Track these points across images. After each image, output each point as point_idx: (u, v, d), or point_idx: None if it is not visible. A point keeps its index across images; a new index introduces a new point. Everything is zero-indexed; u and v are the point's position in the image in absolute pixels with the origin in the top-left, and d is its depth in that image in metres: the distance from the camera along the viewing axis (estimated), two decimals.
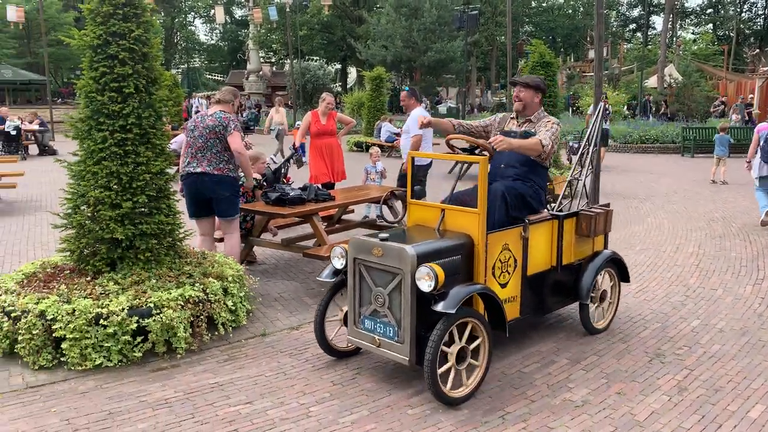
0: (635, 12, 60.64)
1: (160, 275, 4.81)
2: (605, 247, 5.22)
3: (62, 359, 4.30)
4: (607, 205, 5.26)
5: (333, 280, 4.34)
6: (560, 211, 4.81)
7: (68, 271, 4.91)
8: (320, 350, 4.51)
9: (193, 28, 65.99)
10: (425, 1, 35.02)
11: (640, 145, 21.02)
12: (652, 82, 35.69)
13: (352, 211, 8.01)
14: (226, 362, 4.49)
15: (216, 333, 4.82)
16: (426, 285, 3.68)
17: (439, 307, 3.67)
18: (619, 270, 5.18)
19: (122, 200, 4.70)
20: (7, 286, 4.68)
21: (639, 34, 58.79)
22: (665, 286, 6.29)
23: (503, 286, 4.27)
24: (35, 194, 11.50)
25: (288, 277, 6.53)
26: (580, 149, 5.40)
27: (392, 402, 3.89)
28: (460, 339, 3.85)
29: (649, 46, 48.59)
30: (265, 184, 6.99)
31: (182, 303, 4.55)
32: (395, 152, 18.79)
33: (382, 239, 3.92)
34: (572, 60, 52.11)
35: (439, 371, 3.73)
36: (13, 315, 4.35)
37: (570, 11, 61.72)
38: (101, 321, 4.26)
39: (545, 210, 4.75)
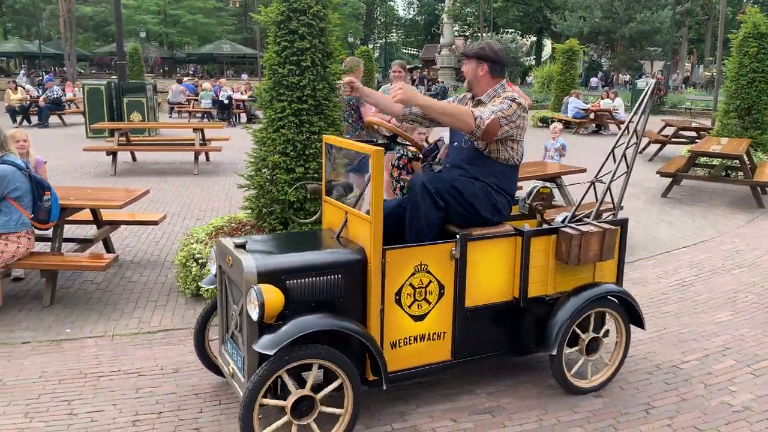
0: None
1: None
2: (618, 279, 3.84)
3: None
4: (618, 221, 3.79)
5: (213, 286, 3.48)
6: (576, 221, 3.70)
7: (249, 227, 5.47)
8: None
9: (392, 3, 67.96)
10: None
11: None
12: None
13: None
14: None
15: None
16: (253, 312, 2.85)
17: (258, 344, 2.82)
18: (628, 311, 3.75)
19: (296, 165, 5.11)
20: (198, 236, 5.34)
21: None
22: None
23: (417, 318, 3.28)
24: (237, 157, 12.80)
25: None
26: (617, 138, 4.04)
27: None
28: (300, 386, 2.96)
29: None
30: (422, 156, 7.10)
31: None
32: (583, 129, 17.99)
33: (236, 245, 3.14)
34: None
35: (270, 429, 2.94)
36: (200, 261, 4.97)
37: None
38: None
39: (505, 221, 3.60)
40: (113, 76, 22.82)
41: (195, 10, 44.43)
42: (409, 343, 3.28)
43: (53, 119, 18.99)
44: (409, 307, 3.25)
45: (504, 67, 3.61)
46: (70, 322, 4.63)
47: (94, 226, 5.96)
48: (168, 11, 44.66)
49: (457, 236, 3.31)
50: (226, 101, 19.98)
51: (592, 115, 17.85)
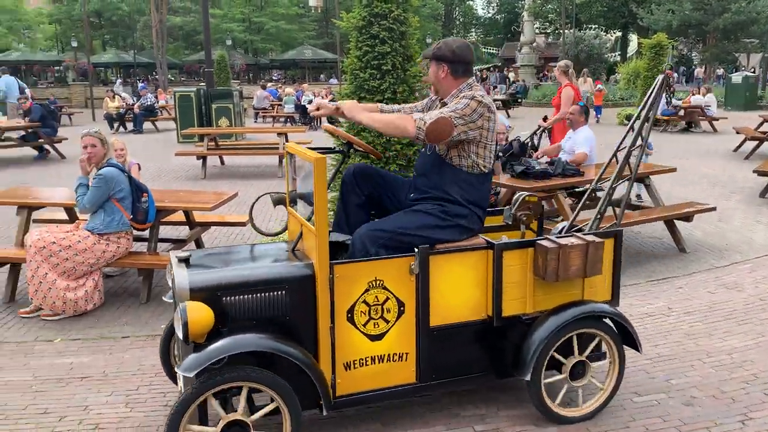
0: None
1: None
2: (613, 297, 3.45)
3: None
4: (610, 232, 3.39)
5: (171, 301, 3.25)
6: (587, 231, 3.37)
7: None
8: None
9: (471, 2, 67.45)
10: None
11: None
12: None
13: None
14: None
15: None
16: (179, 331, 2.73)
17: (180, 366, 2.70)
18: (621, 332, 3.36)
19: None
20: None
21: None
22: None
23: (375, 338, 3.04)
24: None
25: None
26: (620, 142, 3.64)
27: None
28: (225, 409, 2.84)
29: None
30: (501, 155, 7.03)
31: None
32: (671, 126, 17.25)
33: (179, 259, 3.04)
34: None
35: None
36: None
37: None
38: None
39: (479, 234, 3.30)
40: (202, 83, 23.82)
41: (278, 17, 45.73)
42: (366, 365, 3.04)
43: (147, 125, 20.03)
44: (364, 325, 3.00)
45: (468, 65, 3.29)
46: (165, 318, 4.89)
47: (187, 227, 6.26)
48: (252, 19, 46.19)
49: (416, 250, 3.04)
50: (308, 105, 20.44)
51: (681, 112, 17.09)
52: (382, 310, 3.03)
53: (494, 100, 7.69)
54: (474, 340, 3.23)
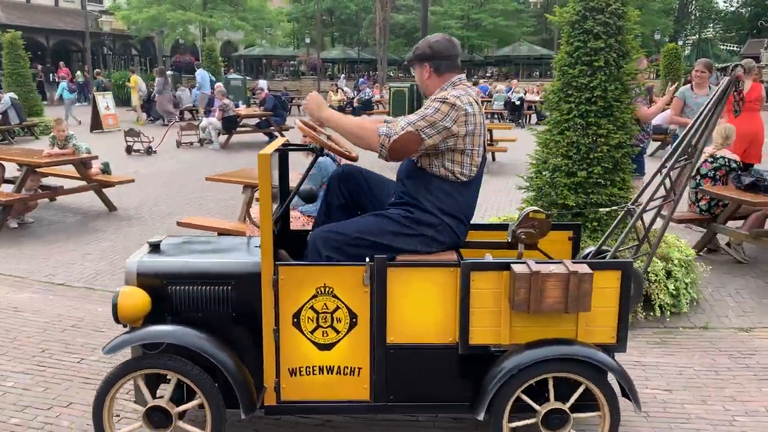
0: None
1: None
2: (619, 340, 2.87)
3: None
4: (614, 264, 2.87)
5: None
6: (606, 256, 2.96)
7: None
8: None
9: None
10: None
11: None
12: None
13: None
14: (656, 345, 4.37)
15: (652, 314, 4.70)
16: (113, 311, 2.81)
17: (105, 346, 2.80)
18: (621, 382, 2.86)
19: (578, 169, 4.94)
20: None
21: None
22: None
23: (323, 347, 2.88)
24: (520, 159, 12.84)
25: (754, 274, 5.79)
26: (666, 158, 3.17)
27: None
28: (153, 395, 2.90)
29: None
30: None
31: None
32: None
33: (150, 244, 3.12)
34: None
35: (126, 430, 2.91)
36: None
37: None
38: None
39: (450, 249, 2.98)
40: None
41: (496, 13, 45.58)
42: (314, 374, 2.91)
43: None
44: (312, 332, 2.87)
45: (450, 59, 2.99)
46: None
47: None
48: (471, 15, 46.57)
49: (366, 259, 2.82)
50: (517, 102, 20.16)
51: None
52: (332, 319, 2.86)
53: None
54: (438, 365, 2.91)
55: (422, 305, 2.86)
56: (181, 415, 2.97)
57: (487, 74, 42.21)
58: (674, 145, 3.21)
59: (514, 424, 2.87)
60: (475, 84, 25.25)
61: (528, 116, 20.81)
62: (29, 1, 35.65)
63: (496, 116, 20.94)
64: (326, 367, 2.91)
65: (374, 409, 2.95)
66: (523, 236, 3.03)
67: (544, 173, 5.25)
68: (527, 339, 2.84)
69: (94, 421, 2.85)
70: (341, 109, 21.72)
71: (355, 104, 20.82)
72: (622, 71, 4.93)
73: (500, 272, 2.79)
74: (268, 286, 2.81)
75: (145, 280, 2.90)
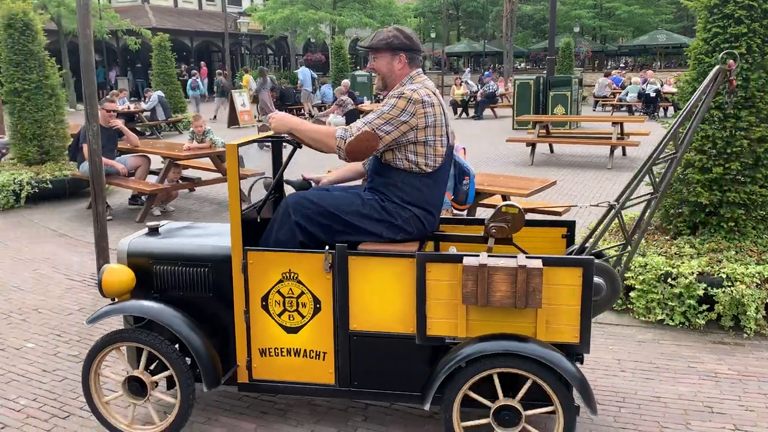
0: None
1: (742, 247, 4.56)
2: (581, 340, 2.74)
3: (629, 306, 4.65)
4: (577, 260, 2.72)
5: None
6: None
7: (652, 228, 5.16)
8: None
9: None
10: None
11: None
12: None
13: None
14: None
15: None
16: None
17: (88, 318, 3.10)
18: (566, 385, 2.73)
19: (713, 165, 4.60)
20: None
21: None
22: None
23: (291, 330, 2.99)
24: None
25: None
26: (657, 147, 3.06)
27: None
28: (138, 365, 3.12)
29: None
30: None
31: (759, 281, 4.22)
32: None
33: (149, 228, 3.35)
34: None
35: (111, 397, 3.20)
36: None
37: None
38: (669, 279, 4.38)
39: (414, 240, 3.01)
40: (544, 71, 23.93)
41: (631, 1, 43.20)
42: (282, 355, 3.03)
43: (486, 112, 20.93)
44: (279, 315, 2.99)
45: (420, 53, 3.07)
46: None
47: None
48: (603, 4, 44.47)
49: (327, 247, 2.88)
50: (653, 94, 19.01)
51: None
52: (297, 303, 2.98)
53: None
54: (400, 354, 2.94)
55: (383, 295, 2.91)
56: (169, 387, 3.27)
57: (621, 65, 40.06)
58: (661, 141, 3.13)
59: (467, 423, 2.87)
60: (607, 75, 24.11)
61: (665, 108, 19.57)
62: (177, 5, 38.48)
63: (629, 109, 19.90)
64: (293, 349, 3.04)
65: (339, 394, 3.07)
66: (494, 230, 2.99)
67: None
68: (483, 333, 2.83)
69: (83, 387, 3.13)
70: (465, 102, 21.54)
71: (479, 98, 20.54)
72: (767, 58, 4.53)
73: (455, 264, 2.78)
74: (238, 269, 2.99)
75: (134, 259, 3.17)
